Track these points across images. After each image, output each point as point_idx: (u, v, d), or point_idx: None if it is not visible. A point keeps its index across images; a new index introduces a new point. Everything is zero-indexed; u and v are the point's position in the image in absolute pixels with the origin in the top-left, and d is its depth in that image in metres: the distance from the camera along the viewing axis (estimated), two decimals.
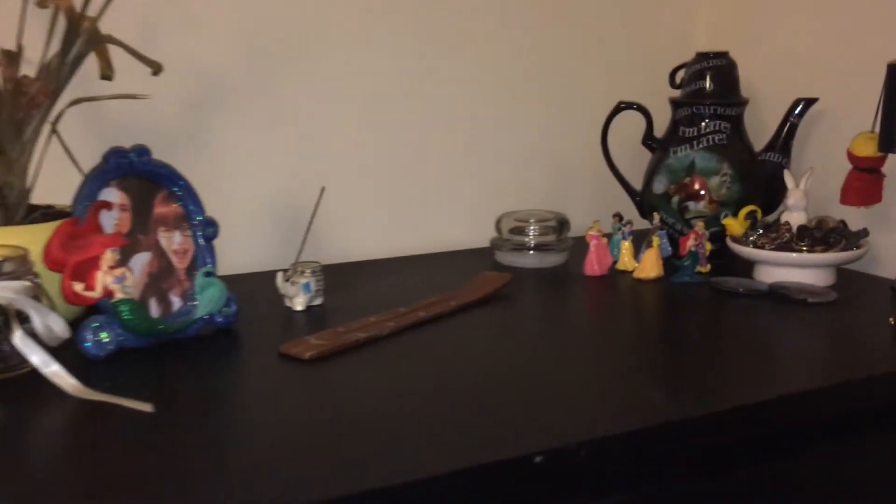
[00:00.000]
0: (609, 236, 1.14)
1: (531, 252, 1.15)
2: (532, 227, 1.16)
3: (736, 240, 1.07)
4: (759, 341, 0.89)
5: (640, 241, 1.12)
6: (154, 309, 0.84)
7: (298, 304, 0.94)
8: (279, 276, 0.94)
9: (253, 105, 1.11)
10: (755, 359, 0.83)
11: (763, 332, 0.92)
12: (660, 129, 1.22)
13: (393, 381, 0.76)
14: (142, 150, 0.84)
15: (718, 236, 1.13)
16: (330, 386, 0.75)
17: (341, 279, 1.07)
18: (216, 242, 0.90)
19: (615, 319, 0.98)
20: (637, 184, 1.23)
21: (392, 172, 1.21)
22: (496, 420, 0.68)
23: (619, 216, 1.17)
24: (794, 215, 1.05)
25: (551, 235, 1.16)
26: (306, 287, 0.94)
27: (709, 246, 1.11)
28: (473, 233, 1.25)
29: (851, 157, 1.06)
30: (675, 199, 1.15)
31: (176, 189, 0.87)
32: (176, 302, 0.86)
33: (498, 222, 1.18)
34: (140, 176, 0.85)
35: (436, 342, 0.86)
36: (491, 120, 1.27)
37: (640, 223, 1.22)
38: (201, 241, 0.88)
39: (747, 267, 1.08)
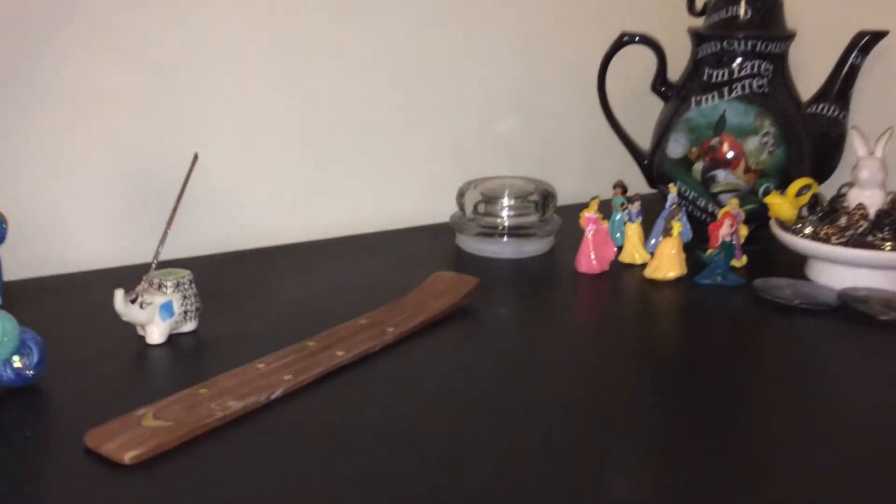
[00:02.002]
0: (609, 218, 0.85)
1: (504, 238, 0.86)
2: (506, 203, 0.86)
3: (784, 226, 0.79)
4: (825, 388, 0.61)
5: (651, 222, 0.84)
6: None
7: (153, 335, 0.64)
8: (118, 297, 0.63)
9: (91, 34, 0.79)
10: (819, 421, 0.55)
11: (834, 374, 0.63)
12: (675, 72, 0.91)
13: (280, 484, 0.47)
14: None
15: (753, 215, 0.84)
16: None
17: (234, 280, 0.77)
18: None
19: (617, 346, 0.68)
20: (645, 144, 0.94)
21: (311, 125, 0.90)
22: None
23: (621, 187, 0.87)
24: (867, 194, 0.76)
25: (532, 214, 0.87)
26: (166, 310, 0.64)
27: (744, 231, 0.83)
28: (429, 206, 0.95)
29: None
30: (698, 166, 0.86)
31: None
32: None
33: (460, 196, 0.88)
34: None
35: (354, 400, 0.57)
36: (447, 55, 0.96)
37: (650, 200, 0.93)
38: None
39: (792, 259, 0.80)
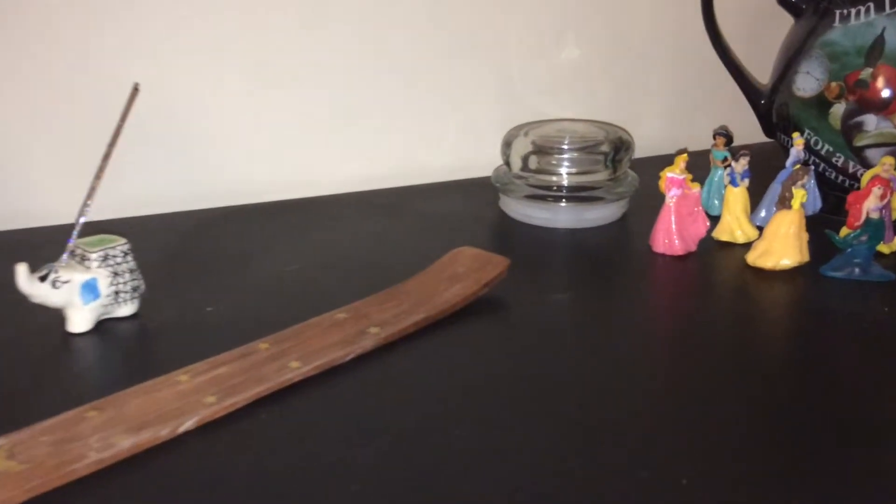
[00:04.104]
0: (704, 180, 0.63)
1: (562, 203, 0.65)
2: (565, 155, 0.65)
3: None
4: None
5: (761, 188, 0.61)
6: None
7: (73, 322, 0.48)
8: (20, 273, 0.47)
9: None
10: None
11: None
12: None
13: None
14: None
15: None
16: None
17: (202, 247, 0.59)
18: None
19: (700, 365, 0.47)
20: (763, 77, 0.69)
21: (315, 50, 0.71)
22: None
23: (725, 136, 0.64)
24: None
25: (600, 171, 0.65)
26: (88, 290, 0.47)
27: None
28: (468, 157, 0.75)
29: None
30: (838, 108, 0.61)
31: None
32: None
33: (506, 145, 0.67)
34: None
35: (297, 436, 0.38)
36: None
37: (763, 153, 0.69)
38: None
39: None
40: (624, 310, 0.53)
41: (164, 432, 0.39)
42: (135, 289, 0.50)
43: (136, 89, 0.50)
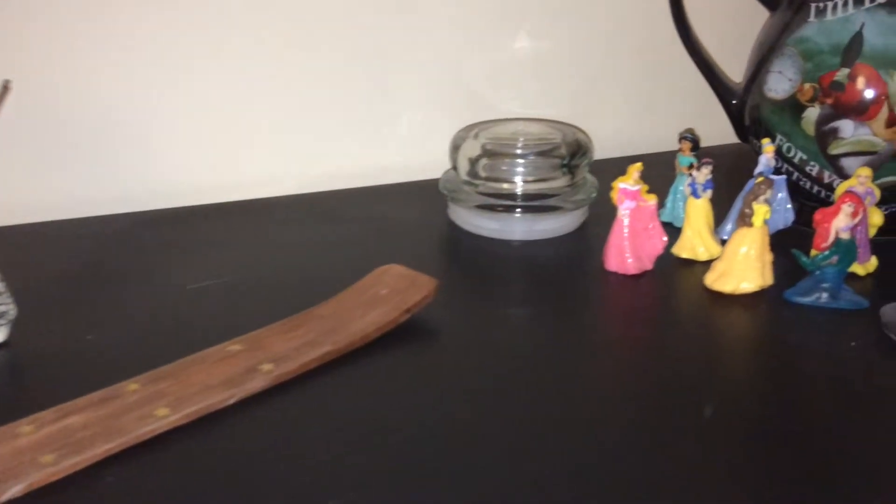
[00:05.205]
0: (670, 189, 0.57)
1: (516, 213, 0.59)
2: (519, 160, 0.60)
3: None
4: None
5: (734, 196, 0.55)
6: None
7: None
8: None
9: None
10: None
11: None
12: None
13: None
14: None
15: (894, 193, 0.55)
16: None
17: (100, 260, 0.54)
18: None
19: (647, 401, 0.42)
20: (735, 75, 0.64)
21: (253, 44, 0.65)
22: None
23: (691, 139, 0.59)
24: None
25: (557, 177, 0.60)
26: None
27: (877, 218, 0.53)
28: (416, 157, 0.70)
29: None
30: (812, 112, 0.56)
31: None
32: None
33: (454, 149, 0.62)
34: None
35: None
36: None
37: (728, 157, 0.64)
38: None
39: None
40: (564, 338, 0.47)
41: None
42: (3, 314, 0.44)
43: (5, 87, 0.45)
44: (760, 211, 0.49)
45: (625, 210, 0.52)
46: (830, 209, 0.47)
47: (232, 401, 0.38)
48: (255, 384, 0.39)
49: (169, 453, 0.36)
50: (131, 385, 0.39)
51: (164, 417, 0.37)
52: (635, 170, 0.52)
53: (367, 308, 0.47)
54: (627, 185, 0.52)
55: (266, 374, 0.40)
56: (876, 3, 0.53)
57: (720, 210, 0.57)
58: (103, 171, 0.62)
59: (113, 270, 0.53)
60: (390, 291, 0.48)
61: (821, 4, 0.55)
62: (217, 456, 0.36)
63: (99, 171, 0.62)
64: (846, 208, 0.47)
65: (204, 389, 0.38)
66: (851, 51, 0.53)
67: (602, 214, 0.59)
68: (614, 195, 0.53)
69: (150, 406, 0.37)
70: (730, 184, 0.58)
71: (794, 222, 0.57)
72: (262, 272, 0.53)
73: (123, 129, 0.62)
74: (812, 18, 0.55)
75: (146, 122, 0.62)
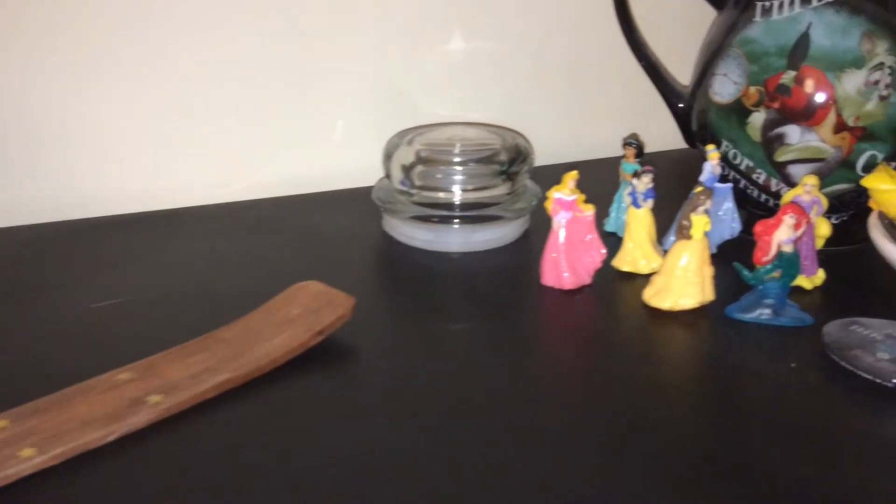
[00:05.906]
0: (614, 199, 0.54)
1: (454, 223, 0.56)
2: (456, 167, 0.56)
3: (895, 227, 0.46)
4: None
5: (671, 208, 0.52)
6: None
7: None
8: None
9: None
10: None
11: None
12: None
13: None
14: None
15: (845, 202, 0.52)
16: None
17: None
18: None
19: (575, 425, 0.39)
20: (683, 77, 0.61)
21: (175, 44, 0.61)
22: None
23: (635, 145, 0.56)
24: None
25: (496, 185, 0.57)
26: None
27: (825, 229, 0.51)
28: (348, 165, 0.66)
29: None
30: (758, 117, 0.53)
31: None
32: None
33: (387, 157, 0.58)
34: None
35: None
36: None
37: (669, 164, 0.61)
38: None
39: None
40: (495, 358, 0.44)
41: None
42: None
43: None
44: (699, 222, 0.46)
45: (560, 221, 0.49)
46: (772, 221, 0.45)
47: (111, 438, 0.35)
48: (139, 418, 0.36)
49: (29, 501, 0.32)
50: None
51: (29, 459, 0.33)
52: (570, 178, 0.49)
53: (276, 330, 0.43)
54: (562, 194, 0.49)
55: (153, 407, 0.37)
56: (823, 3, 0.51)
57: (666, 219, 0.54)
58: (15, 180, 0.59)
59: (17, 285, 0.49)
60: (303, 311, 0.45)
61: (766, 3, 0.52)
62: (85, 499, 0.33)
63: (7, 181, 0.58)
64: (788, 220, 0.44)
65: (81, 425, 0.35)
66: (798, 52, 0.51)
67: (545, 223, 0.56)
68: (549, 206, 0.50)
69: (15, 446, 0.34)
70: (678, 192, 0.55)
71: (742, 232, 0.54)
72: (174, 289, 0.50)
73: (40, 137, 0.58)
74: (758, 18, 0.53)
75: (63, 130, 0.59)
